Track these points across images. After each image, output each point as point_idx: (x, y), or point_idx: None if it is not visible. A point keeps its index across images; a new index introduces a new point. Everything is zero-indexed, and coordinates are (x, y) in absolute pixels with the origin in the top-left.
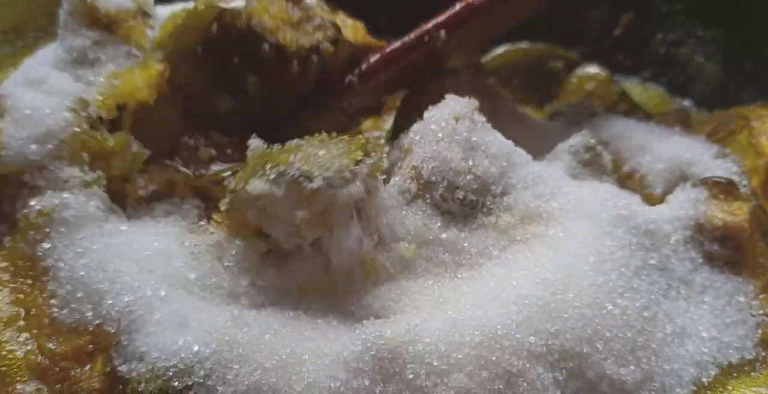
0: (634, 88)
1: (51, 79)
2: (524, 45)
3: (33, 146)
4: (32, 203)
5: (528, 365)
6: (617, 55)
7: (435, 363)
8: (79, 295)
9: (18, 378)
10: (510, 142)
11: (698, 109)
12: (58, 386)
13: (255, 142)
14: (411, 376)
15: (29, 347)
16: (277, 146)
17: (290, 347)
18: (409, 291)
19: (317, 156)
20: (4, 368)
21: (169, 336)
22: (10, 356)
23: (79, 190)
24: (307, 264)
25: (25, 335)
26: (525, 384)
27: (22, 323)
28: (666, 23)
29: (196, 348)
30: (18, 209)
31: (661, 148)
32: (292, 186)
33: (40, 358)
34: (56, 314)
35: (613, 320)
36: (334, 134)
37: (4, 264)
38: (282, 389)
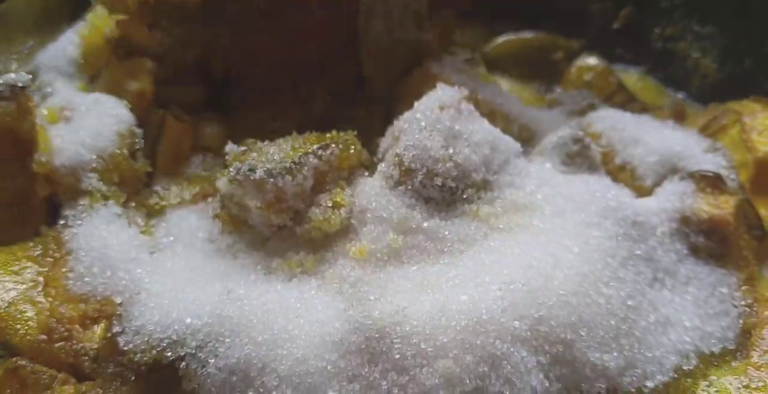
0: (631, 79)
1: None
2: (526, 35)
3: (80, 154)
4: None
5: (512, 349)
6: (616, 49)
7: (422, 345)
8: (94, 270)
9: (29, 336)
10: (497, 131)
11: (694, 103)
12: (61, 343)
13: (230, 147)
14: (398, 356)
15: (42, 311)
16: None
17: (281, 324)
18: (395, 276)
19: (268, 153)
20: (18, 326)
21: (164, 309)
22: (25, 317)
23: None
24: (285, 244)
25: (40, 300)
26: (509, 367)
27: (40, 290)
28: (664, 18)
29: (188, 320)
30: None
31: (654, 141)
32: (244, 180)
33: (50, 320)
34: (71, 286)
35: (598, 308)
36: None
37: (38, 246)
38: (271, 364)
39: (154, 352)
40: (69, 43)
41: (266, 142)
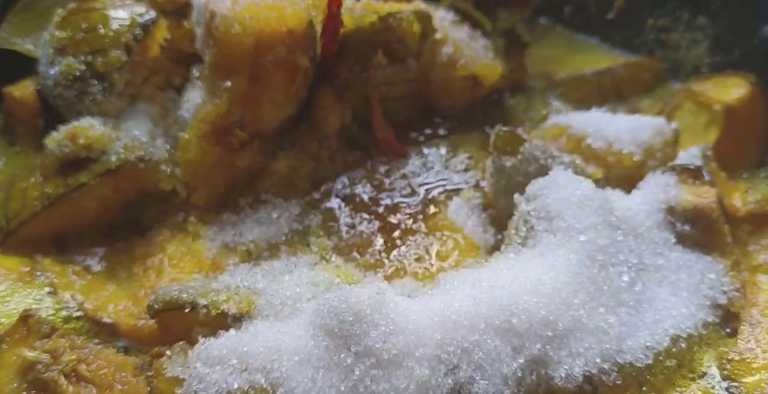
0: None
1: None
2: None
3: None
4: None
5: (485, 337)
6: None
7: (400, 336)
8: None
9: None
10: None
11: None
12: None
13: None
14: (373, 343)
15: None
16: None
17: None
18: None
19: None
20: None
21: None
22: None
23: None
24: None
25: None
26: (481, 354)
27: None
28: (657, 9)
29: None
30: None
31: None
32: None
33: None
34: None
35: (590, 303)
36: None
37: None
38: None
39: None
40: None
41: None
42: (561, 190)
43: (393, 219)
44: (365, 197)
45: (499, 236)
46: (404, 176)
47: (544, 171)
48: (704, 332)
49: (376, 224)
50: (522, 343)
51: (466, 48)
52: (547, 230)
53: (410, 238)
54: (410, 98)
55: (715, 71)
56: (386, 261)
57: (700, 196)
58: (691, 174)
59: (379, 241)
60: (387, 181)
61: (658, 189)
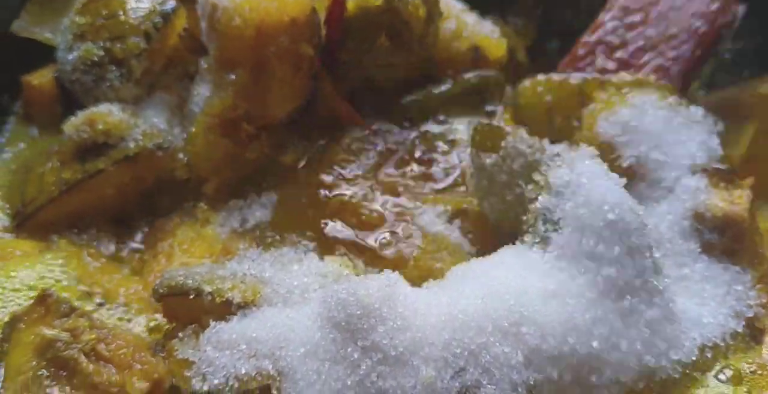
0: None
1: None
2: None
3: None
4: None
5: (492, 340)
6: None
7: (407, 332)
8: None
9: None
10: None
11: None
12: None
13: None
14: (380, 338)
15: None
16: None
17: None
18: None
19: None
20: None
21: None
22: None
23: None
24: None
25: None
26: (488, 357)
27: None
28: None
29: None
30: None
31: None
32: None
33: None
34: None
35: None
36: None
37: None
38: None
39: None
40: None
41: None
42: (583, 188)
43: (391, 213)
44: (367, 187)
45: (478, 247)
46: (403, 164)
47: (533, 167)
48: (732, 343)
49: (377, 214)
50: (533, 358)
51: (471, 26)
52: (564, 231)
53: (408, 233)
54: (412, 80)
55: (737, 57)
56: (387, 254)
57: (731, 202)
58: (723, 177)
59: (380, 232)
60: (388, 170)
61: (687, 195)
